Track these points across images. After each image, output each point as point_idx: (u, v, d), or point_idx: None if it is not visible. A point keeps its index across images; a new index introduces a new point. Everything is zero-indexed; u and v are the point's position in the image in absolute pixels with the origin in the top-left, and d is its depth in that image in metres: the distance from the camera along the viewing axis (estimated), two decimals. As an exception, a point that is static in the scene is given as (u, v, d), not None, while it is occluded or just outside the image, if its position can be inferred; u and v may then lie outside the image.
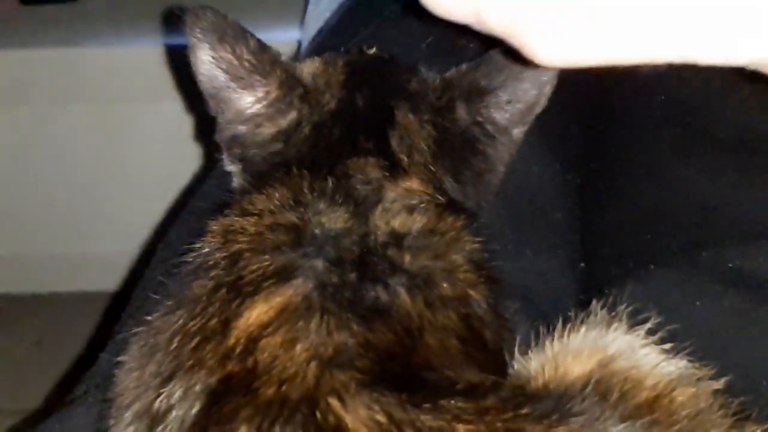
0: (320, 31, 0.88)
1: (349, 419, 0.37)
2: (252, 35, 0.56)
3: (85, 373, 0.59)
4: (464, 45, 0.69)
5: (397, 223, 0.50)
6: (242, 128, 0.57)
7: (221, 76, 0.56)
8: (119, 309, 0.63)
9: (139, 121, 1.41)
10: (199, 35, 0.55)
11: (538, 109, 0.59)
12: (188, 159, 1.34)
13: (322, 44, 0.83)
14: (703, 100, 0.66)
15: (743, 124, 0.64)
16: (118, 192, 1.50)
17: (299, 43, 1.19)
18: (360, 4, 0.85)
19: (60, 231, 1.55)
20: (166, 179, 1.37)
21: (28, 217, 1.53)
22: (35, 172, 1.48)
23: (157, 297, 0.49)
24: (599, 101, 0.73)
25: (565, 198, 0.69)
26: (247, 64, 0.55)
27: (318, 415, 0.38)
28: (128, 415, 0.44)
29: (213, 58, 0.55)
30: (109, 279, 1.57)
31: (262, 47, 0.56)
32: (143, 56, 1.32)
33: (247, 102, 0.56)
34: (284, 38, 1.25)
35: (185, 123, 1.35)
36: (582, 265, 0.66)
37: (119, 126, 1.42)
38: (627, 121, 0.70)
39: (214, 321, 0.43)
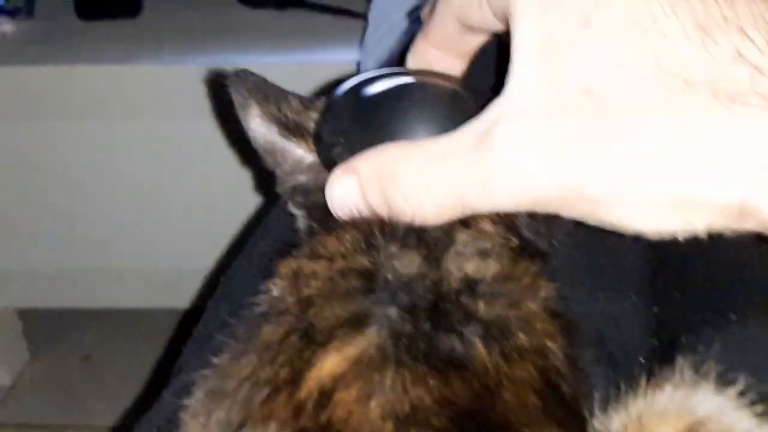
0: (383, 61, 0.86)
1: None
2: (293, 95, 0.55)
3: (143, 413, 0.58)
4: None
5: (470, 268, 0.47)
6: (303, 177, 0.56)
7: (273, 128, 0.55)
8: (171, 327, 0.62)
9: (202, 138, 1.41)
10: (245, 94, 0.55)
11: None
12: (244, 183, 1.34)
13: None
14: None
15: None
16: (174, 209, 1.50)
17: (358, 64, 1.18)
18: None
19: (110, 246, 1.56)
20: (223, 198, 1.37)
21: (80, 232, 1.54)
22: (89, 187, 1.49)
23: (223, 338, 0.48)
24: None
25: (637, 237, 0.67)
26: (293, 123, 0.55)
27: None
28: (194, 463, 0.43)
29: (262, 112, 0.55)
30: (159, 297, 1.57)
31: (304, 104, 0.56)
32: (203, 74, 1.33)
33: (302, 152, 0.56)
34: (343, 59, 1.25)
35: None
36: (655, 309, 0.64)
37: (180, 142, 1.42)
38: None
39: (285, 370, 0.42)
